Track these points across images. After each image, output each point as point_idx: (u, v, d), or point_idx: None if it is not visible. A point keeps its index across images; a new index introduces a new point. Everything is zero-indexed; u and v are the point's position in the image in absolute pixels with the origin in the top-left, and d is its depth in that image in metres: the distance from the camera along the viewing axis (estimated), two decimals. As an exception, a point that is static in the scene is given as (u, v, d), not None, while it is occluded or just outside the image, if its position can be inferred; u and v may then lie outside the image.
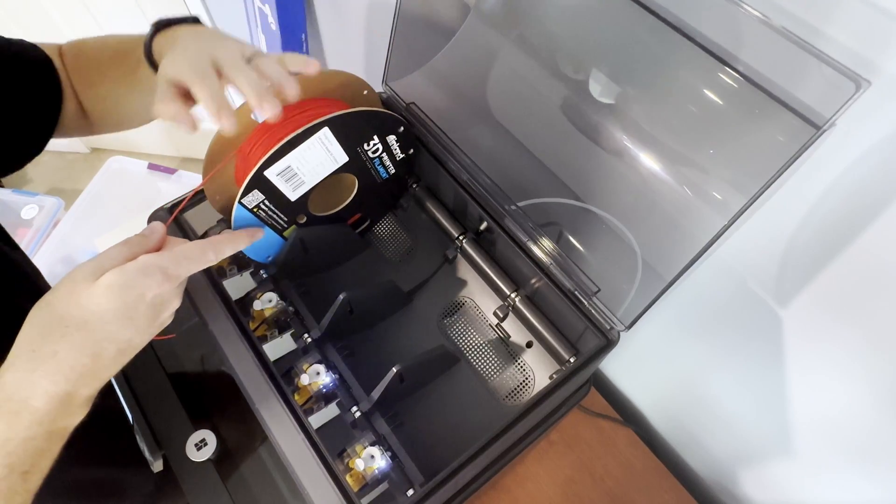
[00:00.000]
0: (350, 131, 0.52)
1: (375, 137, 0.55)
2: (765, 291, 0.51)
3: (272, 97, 0.39)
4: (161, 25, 0.47)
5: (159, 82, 0.40)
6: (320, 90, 0.53)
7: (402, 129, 0.57)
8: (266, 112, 0.39)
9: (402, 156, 0.59)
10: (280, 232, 0.53)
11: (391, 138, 0.57)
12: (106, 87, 0.53)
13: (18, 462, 0.35)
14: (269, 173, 0.48)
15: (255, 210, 0.49)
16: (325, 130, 0.51)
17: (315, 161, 0.52)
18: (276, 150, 0.47)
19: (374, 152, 0.57)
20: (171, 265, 0.38)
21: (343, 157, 0.54)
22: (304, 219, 0.54)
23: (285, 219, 0.53)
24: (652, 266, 0.50)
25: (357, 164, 0.55)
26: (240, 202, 0.48)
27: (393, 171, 0.60)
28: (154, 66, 0.47)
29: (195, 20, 0.48)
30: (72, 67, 0.53)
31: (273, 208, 0.51)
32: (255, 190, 0.48)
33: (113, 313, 0.36)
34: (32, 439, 0.35)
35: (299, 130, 0.47)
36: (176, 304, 0.40)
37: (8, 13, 1.51)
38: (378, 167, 0.58)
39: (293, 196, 0.51)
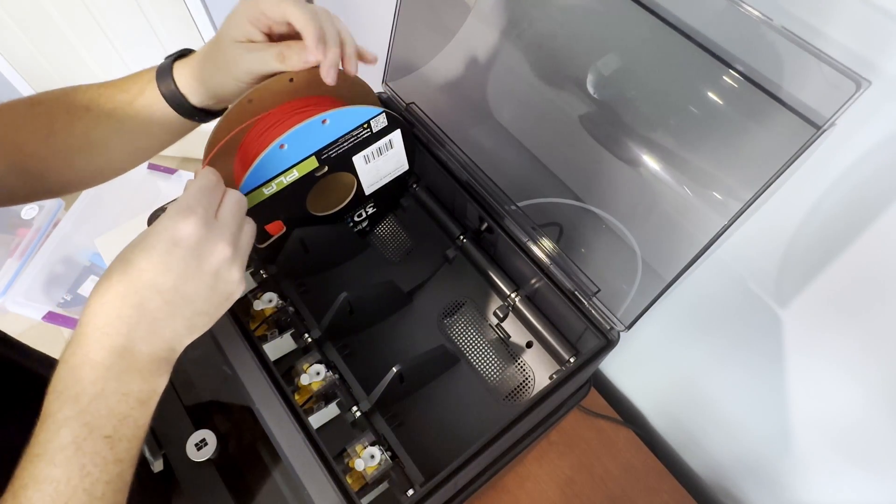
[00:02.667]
0: (395, 185, 0.59)
1: (374, 206, 0.60)
2: (764, 292, 0.51)
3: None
4: (173, 57, 0.48)
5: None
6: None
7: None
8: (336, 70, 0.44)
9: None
10: (280, 169, 0.48)
11: (376, 216, 0.62)
12: (78, 132, 0.49)
13: (96, 422, 0.35)
14: (392, 134, 0.53)
15: (355, 131, 0.49)
16: (405, 169, 0.58)
17: (380, 165, 0.55)
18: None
19: (359, 216, 0.60)
20: (187, 200, 0.37)
21: (374, 187, 0.58)
22: (325, 170, 0.51)
23: (319, 163, 0.50)
24: (652, 266, 0.50)
25: (356, 199, 0.57)
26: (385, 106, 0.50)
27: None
28: (170, 94, 0.47)
29: None
30: (24, 119, 0.49)
31: (345, 141, 0.50)
32: (378, 123, 0.51)
33: (145, 259, 0.35)
34: (104, 397, 0.35)
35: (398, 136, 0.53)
36: (222, 248, 0.37)
37: (8, 13, 1.51)
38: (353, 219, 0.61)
39: (351, 158, 0.52)
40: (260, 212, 0.49)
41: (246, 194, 0.47)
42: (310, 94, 0.50)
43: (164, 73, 0.48)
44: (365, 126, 0.50)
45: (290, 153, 0.47)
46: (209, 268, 0.37)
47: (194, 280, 0.37)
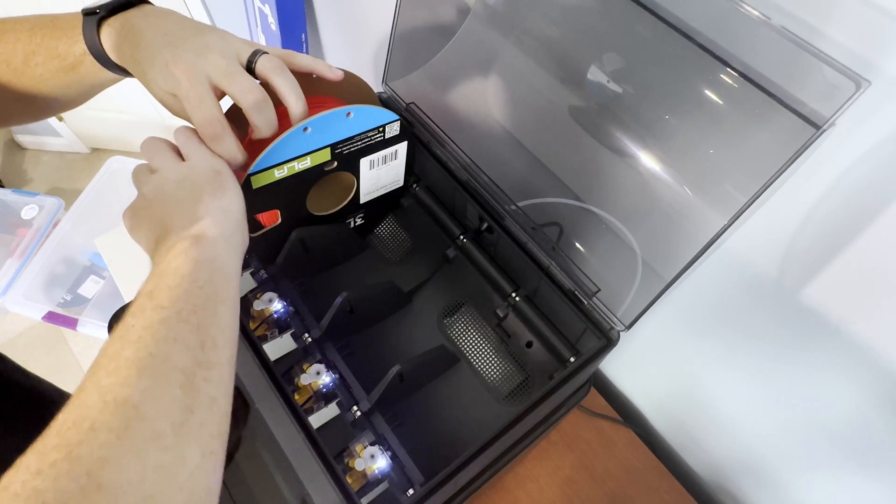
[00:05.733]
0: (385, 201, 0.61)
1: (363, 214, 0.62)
2: (764, 291, 0.51)
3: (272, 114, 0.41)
4: (102, 15, 0.42)
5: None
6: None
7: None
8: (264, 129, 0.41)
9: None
10: (286, 155, 0.47)
11: (361, 229, 0.64)
12: (23, 86, 0.47)
13: (145, 287, 0.34)
14: (399, 145, 0.55)
15: (370, 132, 0.51)
16: (400, 185, 0.60)
17: (381, 174, 0.56)
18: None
19: (354, 224, 0.62)
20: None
21: (369, 197, 0.59)
22: (334, 165, 0.52)
23: (327, 160, 0.50)
24: (652, 266, 0.50)
25: (348, 206, 0.59)
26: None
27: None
28: (104, 61, 0.43)
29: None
30: None
31: (359, 140, 0.51)
32: (392, 135, 0.53)
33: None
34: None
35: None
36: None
37: (7, 13, 1.51)
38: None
39: (359, 160, 0.53)
40: (262, 195, 0.48)
41: (256, 173, 0.46)
42: (317, 93, 0.50)
43: (95, 45, 0.43)
44: (379, 130, 0.51)
45: (311, 139, 0.47)
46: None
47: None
